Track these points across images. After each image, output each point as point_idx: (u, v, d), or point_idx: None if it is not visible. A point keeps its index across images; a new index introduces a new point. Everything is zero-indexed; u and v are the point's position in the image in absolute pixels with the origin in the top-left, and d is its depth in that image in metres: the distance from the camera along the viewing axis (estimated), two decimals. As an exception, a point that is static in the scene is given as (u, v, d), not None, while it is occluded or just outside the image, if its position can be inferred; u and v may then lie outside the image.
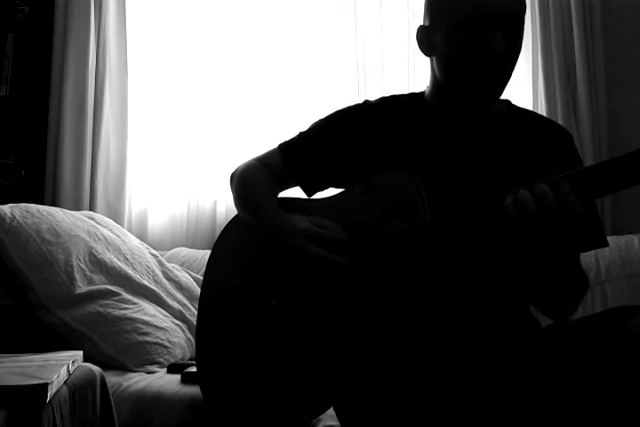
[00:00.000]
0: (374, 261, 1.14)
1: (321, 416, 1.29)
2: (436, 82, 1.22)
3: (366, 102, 1.32)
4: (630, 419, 0.91)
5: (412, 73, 2.45)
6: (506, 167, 1.18)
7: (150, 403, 1.47)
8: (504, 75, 1.15)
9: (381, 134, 1.25)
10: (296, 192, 1.37)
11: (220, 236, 1.40)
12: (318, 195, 1.35)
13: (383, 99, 1.31)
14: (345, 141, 1.28)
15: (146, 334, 1.76)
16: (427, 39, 1.20)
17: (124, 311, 1.78)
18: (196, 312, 1.92)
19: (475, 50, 1.11)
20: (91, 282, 1.80)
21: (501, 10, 1.09)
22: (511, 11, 1.11)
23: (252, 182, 1.33)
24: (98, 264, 1.86)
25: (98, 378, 1.27)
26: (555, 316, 1.19)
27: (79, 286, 1.76)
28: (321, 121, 1.34)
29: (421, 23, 1.22)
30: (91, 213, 2.20)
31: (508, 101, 1.27)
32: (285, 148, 1.35)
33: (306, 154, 1.32)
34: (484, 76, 1.12)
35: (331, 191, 1.31)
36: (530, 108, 2.29)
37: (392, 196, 1.14)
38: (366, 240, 1.16)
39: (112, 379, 1.55)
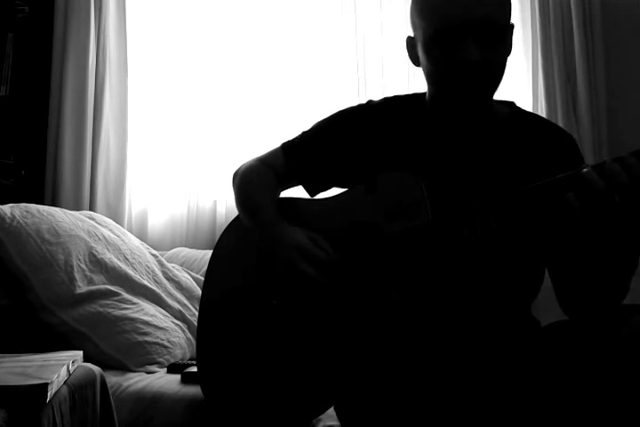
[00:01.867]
0: (371, 264, 1.15)
1: (321, 416, 1.29)
2: (429, 87, 1.23)
3: (369, 103, 1.32)
4: (630, 418, 0.91)
5: (412, 73, 2.45)
6: (507, 168, 1.18)
7: (150, 403, 1.47)
8: (486, 81, 1.13)
9: (384, 135, 1.25)
10: (298, 192, 1.37)
11: (221, 236, 1.40)
12: (321, 195, 1.35)
13: (385, 99, 1.31)
14: (348, 141, 1.28)
15: (146, 334, 1.76)
16: (413, 50, 1.21)
17: (124, 311, 1.78)
18: (196, 312, 1.92)
19: (449, 62, 1.11)
20: (91, 282, 1.80)
21: (470, 18, 1.08)
22: (481, 18, 1.08)
23: (252, 185, 1.33)
24: (98, 264, 1.86)
25: (98, 378, 1.27)
26: (585, 310, 1.13)
27: (79, 286, 1.77)
28: (323, 121, 1.33)
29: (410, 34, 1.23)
30: (91, 213, 2.20)
31: (512, 103, 1.27)
32: (288, 147, 1.34)
33: (308, 154, 1.31)
34: (463, 85, 1.11)
35: (333, 191, 1.31)
36: (530, 108, 2.29)
37: (394, 196, 1.14)
38: (360, 256, 1.16)
39: (112, 379, 1.55)
